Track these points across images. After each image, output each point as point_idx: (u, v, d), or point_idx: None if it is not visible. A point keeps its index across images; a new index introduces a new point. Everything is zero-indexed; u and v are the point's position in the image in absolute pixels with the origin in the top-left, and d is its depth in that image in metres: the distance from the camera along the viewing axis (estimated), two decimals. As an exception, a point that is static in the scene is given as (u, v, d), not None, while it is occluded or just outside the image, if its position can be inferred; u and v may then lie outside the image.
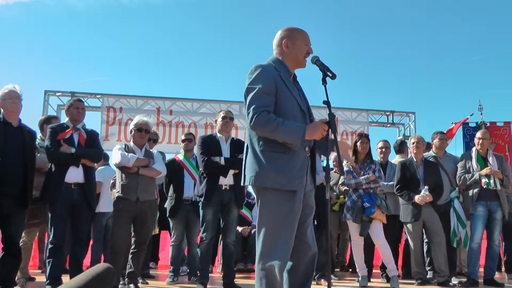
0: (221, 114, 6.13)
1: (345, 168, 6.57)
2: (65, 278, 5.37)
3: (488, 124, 10.28)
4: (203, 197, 5.79)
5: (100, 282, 2.40)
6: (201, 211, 5.86)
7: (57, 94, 11.67)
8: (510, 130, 10.21)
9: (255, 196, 3.39)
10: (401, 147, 8.27)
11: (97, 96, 11.71)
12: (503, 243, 9.25)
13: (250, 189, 7.66)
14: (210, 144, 5.96)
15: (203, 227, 5.83)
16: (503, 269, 9.00)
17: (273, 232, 3.15)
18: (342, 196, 7.86)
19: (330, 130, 3.21)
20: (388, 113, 13.02)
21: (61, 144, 5.42)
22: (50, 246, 5.32)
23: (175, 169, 6.85)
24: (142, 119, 5.96)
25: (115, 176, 6.01)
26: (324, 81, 3.28)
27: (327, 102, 3.25)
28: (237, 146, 5.99)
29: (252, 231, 8.31)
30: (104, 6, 25.21)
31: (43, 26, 26.40)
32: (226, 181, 5.83)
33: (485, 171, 6.58)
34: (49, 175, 5.46)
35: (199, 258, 5.99)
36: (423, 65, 27.89)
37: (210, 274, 6.13)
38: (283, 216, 3.14)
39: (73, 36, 27.17)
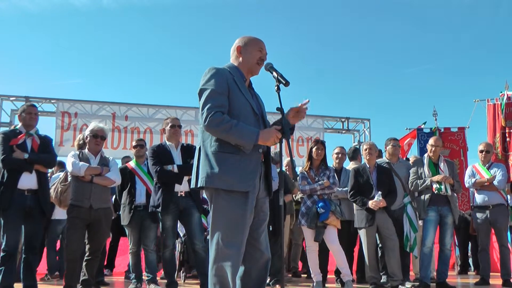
0: (169, 123, 6.11)
1: (300, 175, 6.63)
2: (18, 286, 5.28)
3: (442, 130, 10.49)
4: (160, 207, 5.77)
5: None
6: (160, 221, 5.88)
7: (11, 98, 11.48)
8: (464, 136, 10.44)
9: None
10: (354, 154, 8.35)
11: (52, 101, 11.57)
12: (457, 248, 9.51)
13: (205, 195, 7.59)
14: (161, 154, 5.94)
15: (164, 235, 5.85)
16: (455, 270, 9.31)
17: (225, 237, 3.16)
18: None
19: (283, 137, 3.25)
20: (343, 120, 13.26)
21: (13, 150, 5.35)
22: (2, 254, 5.22)
23: (126, 176, 6.76)
24: (97, 125, 5.92)
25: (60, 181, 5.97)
26: (277, 88, 3.33)
27: (280, 109, 3.29)
28: (188, 151, 6.00)
29: (207, 237, 8.27)
30: (56, 8, 24.81)
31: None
32: (181, 188, 5.82)
33: (436, 177, 6.72)
34: (1, 181, 5.35)
35: (165, 265, 6.03)
36: (378, 72, 28.48)
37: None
38: (235, 220, 3.16)
39: (27, 39, 26.71)
